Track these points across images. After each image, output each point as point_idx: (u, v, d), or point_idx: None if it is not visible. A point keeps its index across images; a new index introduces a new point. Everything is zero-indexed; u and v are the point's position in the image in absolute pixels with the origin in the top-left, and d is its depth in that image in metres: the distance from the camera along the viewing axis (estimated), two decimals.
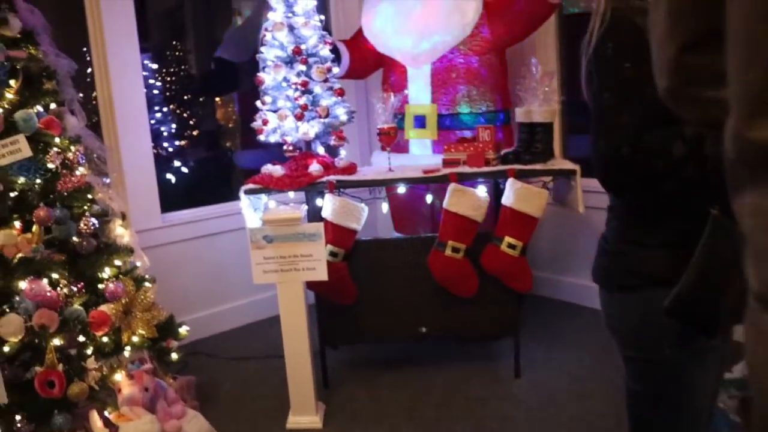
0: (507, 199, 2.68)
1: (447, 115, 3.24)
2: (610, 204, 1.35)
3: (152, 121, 4.63)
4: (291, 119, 2.73)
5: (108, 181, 2.43)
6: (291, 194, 2.78)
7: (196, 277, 3.60)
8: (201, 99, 5.10)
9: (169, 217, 3.54)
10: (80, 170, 2.20)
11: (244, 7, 4.64)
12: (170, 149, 4.77)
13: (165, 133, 4.72)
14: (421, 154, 3.29)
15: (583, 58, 1.25)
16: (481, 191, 2.72)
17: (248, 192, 2.75)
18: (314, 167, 2.75)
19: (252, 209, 2.80)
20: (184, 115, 5.21)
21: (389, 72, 3.42)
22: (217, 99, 5.05)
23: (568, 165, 2.80)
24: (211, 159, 5.00)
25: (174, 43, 5.37)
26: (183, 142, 4.92)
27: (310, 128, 2.72)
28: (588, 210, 2.74)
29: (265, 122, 2.80)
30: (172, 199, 3.89)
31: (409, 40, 3.11)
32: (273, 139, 2.82)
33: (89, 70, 3.30)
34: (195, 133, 5.08)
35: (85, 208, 2.19)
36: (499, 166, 2.79)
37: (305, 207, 2.51)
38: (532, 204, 2.66)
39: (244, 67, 4.46)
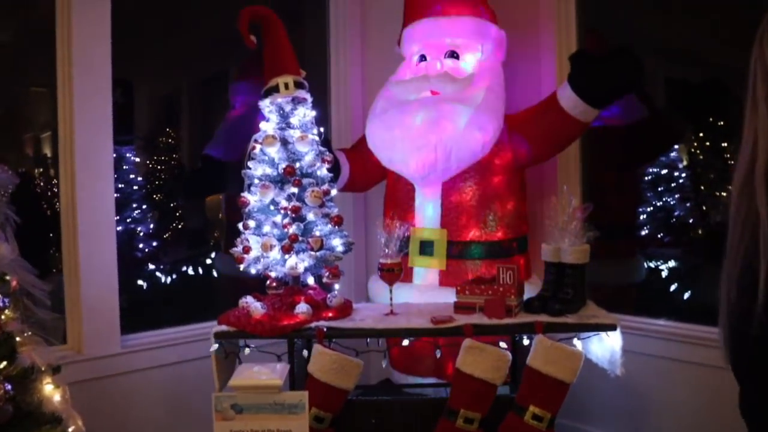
0: (534, 360, 2.21)
1: (458, 243, 2.80)
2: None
3: (128, 220, 4.20)
4: (277, 250, 2.28)
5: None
6: None
7: (159, 412, 3.05)
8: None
9: (130, 340, 3.02)
10: (2, 317, 1.73)
11: (239, 102, 4.29)
12: (146, 250, 4.30)
13: (141, 233, 4.26)
14: (427, 285, 2.83)
15: (735, 220, 0.77)
16: (502, 348, 2.25)
17: (220, 336, 2.27)
18: (301, 308, 2.28)
19: (223, 355, 2.31)
20: (170, 205, 4.79)
21: (394, 188, 3.01)
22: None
23: (605, 317, 2.35)
24: (190, 262, 4.53)
25: (167, 129, 5.03)
26: (162, 239, 4.47)
27: (300, 262, 2.28)
28: None
29: (246, 250, 2.36)
30: (137, 314, 3.39)
31: (420, 156, 2.71)
32: (254, 270, 2.37)
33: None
34: (175, 231, 4.63)
35: (2, 367, 1.70)
36: (522, 315, 2.33)
37: (287, 367, 2.01)
38: (564, 367, 2.19)
39: (233, 166, 4.08)
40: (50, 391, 1.88)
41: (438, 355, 2.35)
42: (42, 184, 3.51)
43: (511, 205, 2.87)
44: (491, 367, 2.18)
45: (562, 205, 2.44)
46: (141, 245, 4.29)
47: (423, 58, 2.96)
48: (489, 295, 2.35)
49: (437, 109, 2.72)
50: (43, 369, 1.83)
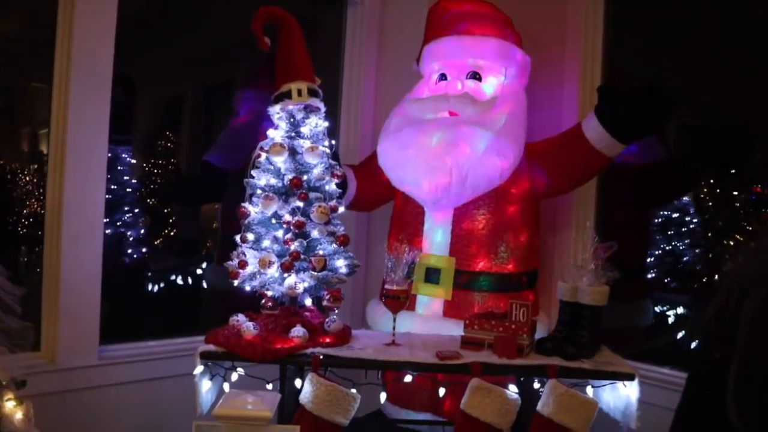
0: (545, 406, 2.03)
1: (466, 272, 2.65)
2: None
3: (118, 223, 4.02)
4: (276, 267, 2.11)
5: None
6: None
7: (136, 430, 2.86)
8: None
9: (108, 352, 2.83)
10: None
11: (245, 109, 4.14)
12: (135, 256, 4.12)
13: (130, 238, 4.08)
14: (430, 314, 2.67)
15: None
16: (512, 390, 2.07)
17: (206, 356, 2.08)
18: (297, 331, 2.11)
19: (208, 377, 2.12)
20: (163, 211, 4.62)
21: (402, 210, 2.85)
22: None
23: (623, 365, 2.18)
24: (179, 271, 4.34)
25: (167, 133, 4.87)
26: (152, 245, 4.28)
27: (299, 282, 2.10)
28: None
29: (242, 265, 2.18)
30: (117, 323, 3.20)
31: (434, 178, 2.56)
32: (249, 287, 2.20)
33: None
34: (167, 238, 4.44)
35: None
36: (534, 357, 2.16)
37: (277, 397, 1.83)
38: (577, 416, 2.02)
39: (232, 175, 3.92)
40: (11, 408, 1.69)
41: (442, 393, 2.17)
42: (35, 180, 3.36)
43: (525, 237, 2.72)
44: (498, 410, 2.00)
45: (582, 242, 2.28)
46: (129, 250, 4.10)
47: (443, 77, 2.83)
48: (499, 332, 2.19)
49: (455, 131, 2.58)
50: (4, 383, 1.64)
